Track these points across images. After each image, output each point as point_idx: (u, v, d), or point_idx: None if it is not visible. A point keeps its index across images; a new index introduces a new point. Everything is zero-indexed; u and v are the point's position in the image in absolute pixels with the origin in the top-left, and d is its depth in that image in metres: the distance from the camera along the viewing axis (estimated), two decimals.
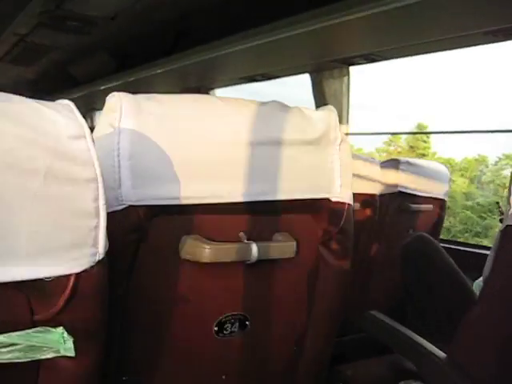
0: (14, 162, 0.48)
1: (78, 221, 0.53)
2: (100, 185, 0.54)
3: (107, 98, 0.77)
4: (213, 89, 4.38)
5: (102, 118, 0.76)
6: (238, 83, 4.16)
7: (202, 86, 4.27)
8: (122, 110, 0.73)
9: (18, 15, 3.35)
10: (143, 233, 0.75)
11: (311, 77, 3.42)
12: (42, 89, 6.54)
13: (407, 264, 1.79)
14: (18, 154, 0.48)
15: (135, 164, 0.71)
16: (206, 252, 0.77)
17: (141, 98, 0.76)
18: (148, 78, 4.15)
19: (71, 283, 0.53)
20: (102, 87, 4.85)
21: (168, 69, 3.74)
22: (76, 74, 5.29)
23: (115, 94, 0.76)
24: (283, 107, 0.87)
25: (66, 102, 0.59)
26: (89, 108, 6.70)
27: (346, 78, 3.26)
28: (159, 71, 3.88)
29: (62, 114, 0.54)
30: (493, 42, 2.36)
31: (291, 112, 0.87)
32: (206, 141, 0.77)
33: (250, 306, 0.88)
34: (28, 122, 0.51)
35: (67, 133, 0.53)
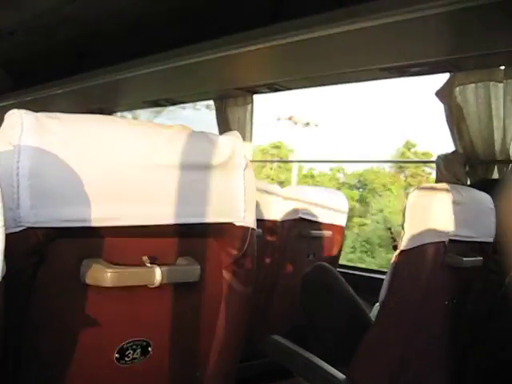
0: None
1: None
2: None
3: (6, 114, 0.73)
4: (115, 112, 4.32)
5: (0, 136, 0.72)
6: (141, 107, 4.13)
7: (104, 109, 4.18)
8: (23, 127, 0.70)
9: None
10: (43, 256, 0.72)
11: (215, 103, 3.47)
12: None
13: (307, 293, 1.83)
14: None
15: (35, 184, 0.68)
16: (108, 276, 0.75)
17: (43, 116, 0.73)
18: (48, 97, 4.01)
19: None
20: None
21: (69, 89, 3.65)
22: None
23: (15, 110, 0.72)
24: (189, 132, 0.88)
25: None
26: None
27: (249, 106, 3.34)
28: (60, 91, 3.77)
29: None
30: (388, 77, 2.52)
31: (196, 136, 0.87)
32: (109, 163, 0.75)
33: (152, 332, 0.86)
34: None
35: None
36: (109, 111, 4.24)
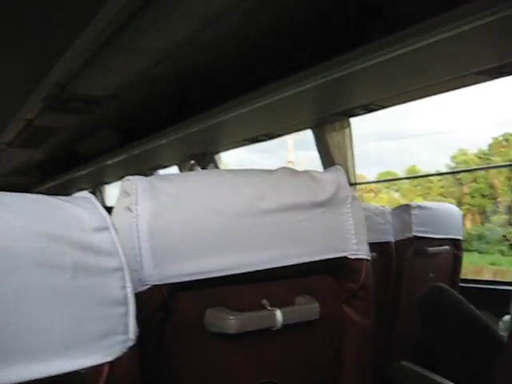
0: (45, 259, 0.50)
1: (107, 310, 0.54)
2: (126, 272, 0.56)
3: (121, 182, 0.80)
4: (218, 152, 4.45)
5: (119, 202, 0.78)
6: (242, 145, 4.23)
7: (206, 152, 4.33)
8: (138, 192, 0.75)
9: (26, 101, 3.47)
10: (168, 310, 0.76)
11: (313, 132, 3.47)
12: (51, 169, 6.69)
13: (425, 316, 1.76)
14: (47, 251, 0.50)
15: (155, 244, 0.73)
16: (232, 323, 0.78)
17: (154, 179, 0.78)
18: (153, 149, 4.23)
19: (105, 372, 0.53)
20: (109, 162, 4.94)
21: (172, 138, 3.82)
22: (82, 151, 5.41)
23: (129, 178, 0.78)
24: (292, 172, 0.90)
25: (86, 194, 0.61)
26: (97, 183, 6.82)
27: (347, 130, 3.31)
28: (163, 141, 3.97)
29: (83, 207, 0.57)
30: (485, 81, 2.41)
31: (300, 176, 0.90)
32: (221, 214, 0.79)
33: (278, 372, 0.88)
34: (53, 219, 0.53)
35: (91, 226, 0.55)
36: (211, 153, 4.38)
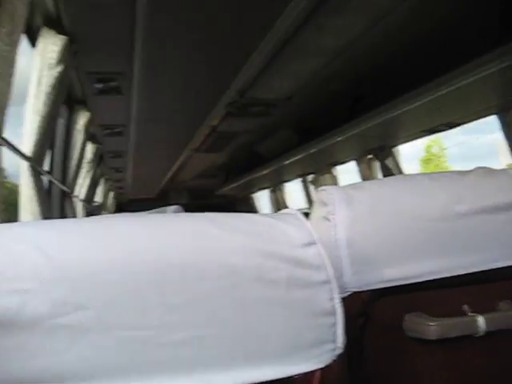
0: (261, 275, 0.54)
1: (317, 320, 0.56)
2: (333, 284, 0.58)
3: (317, 191, 0.83)
4: (395, 146, 4.34)
5: (315, 212, 0.81)
6: (419, 137, 4.08)
7: (384, 145, 4.25)
8: (335, 202, 0.77)
9: (211, 110, 3.72)
10: (368, 316, 0.76)
11: (499, 117, 3.22)
12: (234, 171, 7.09)
13: None
14: (263, 267, 0.54)
15: (354, 252, 0.74)
16: (432, 329, 0.75)
17: (349, 188, 0.80)
18: (330, 146, 4.26)
19: (316, 379, 0.55)
20: (287, 161, 5.09)
21: (349, 135, 3.81)
22: (262, 152, 5.65)
23: (325, 188, 0.81)
24: (489, 172, 0.85)
25: (291, 210, 0.64)
26: (276, 181, 7.07)
27: None
28: (340, 138, 3.97)
29: (290, 223, 0.60)
30: None
31: (499, 176, 0.84)
32: (417, 220, 0.77)
33: (482, 381, 0.83)
34: (266, 236, 0.57)
35: (300, 241, 0.58)
36: (389, 146, 4.29)
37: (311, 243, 0.58)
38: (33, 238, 0.50)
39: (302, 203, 6.68)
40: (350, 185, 0.81)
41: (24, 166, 2.17)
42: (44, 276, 0.48)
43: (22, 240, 0.50)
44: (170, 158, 5.85)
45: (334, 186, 0.80)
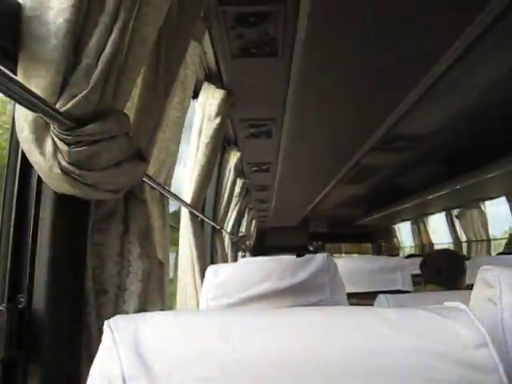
0: (431, 376, 0.53)
1: None
2: None
3: (480, 270, 0.78)
4: None
5: (478, 292, 0.77)
6: None
7: None
8: (501, 285, 0.73)
9: (356, 149, 3.75)
10: None
11: None
12: (374, 201, 7.00)
13: None
14: (433, 368, 0.53)
15: None
16: None
17: None
18: (476, 183, 4.06)
19: None
20: (430, 197, 4.93)
21: (503, 170, 3.61)
22: (404, 185, 5.52)
23: (490, 267, 0.76)
24: None
25: (460, 305, 0.61)
26: (418, 214, 6.85)
27: None
28: (491, 174, 3.78)
29: (461, 322, 0.58)
30: None
31: None
32: None
33: None
34: (434, 335, 0.56)
35: (471, 342, 0.56)
36: None
37: (483, 344, 0.56)
38: (217, 327, 0.55)
39: (445, 237, 6.41)
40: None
41: (184, 210, 2.34)
42: (228, 366, 0.51)
43: (208, 328, 0.55)
44: (311, 191, 5.94)
45: (500, 267, 0.76)
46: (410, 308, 0.61)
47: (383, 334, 0.55)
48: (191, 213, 2.35)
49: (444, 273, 2.22)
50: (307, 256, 1.42)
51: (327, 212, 8.41)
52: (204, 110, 2.35)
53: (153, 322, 0.58)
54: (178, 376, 0.51)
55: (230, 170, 3.53)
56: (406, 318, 0.58)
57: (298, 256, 1.65)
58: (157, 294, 1.19)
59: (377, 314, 0.58)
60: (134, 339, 0.54)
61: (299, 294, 1.33)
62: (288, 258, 1.69)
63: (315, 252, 9.80)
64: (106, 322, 0.56)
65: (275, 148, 3.74)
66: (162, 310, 1.23)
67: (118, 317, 0.57)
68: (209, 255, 3.31)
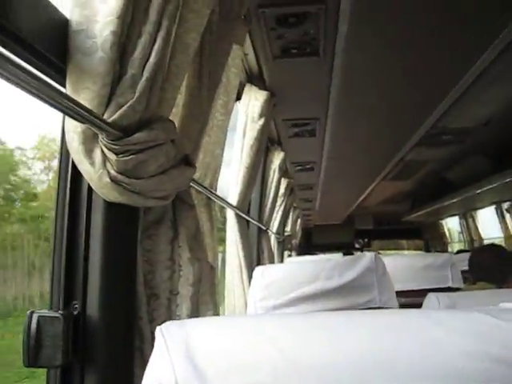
0: (489, 381, 0.51)
1: None
2: None
3: None
4: None
5: None
6: None
7: None
8: None
9: (402, 145, 3.70)
10: None
11: None
12: (420, 197, 6.89)
13: None
14: (491, 373, 0.52)
15: None
16: None
17: None
18: None
19: None
20: (478, 191, 4.82)
21: None
22: (452, 179, 5.42)
23: None
24: None
25: None
26: (467, 209, 6.70)
27: None
28: None
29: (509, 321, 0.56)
30: None
31: None
32: None
33: None
34: (491, 339, 0.54)
35: None
36: None
37: None
38: (268, 332, 0.55)
39: (496, 231, 6.25)
40: None
41: (230, 212, 2.36)
42: (278, 370, 0.51)
43: (258, 333, 0.55)
44: (356, 189, 5.90)
45: None
46: (465, 310, 0.59)
47: (438, 337, 0.54)
48: (237, 214, 2.36)
49: (494, 270, 2.17)
50: (355, 255, 1.41)
51: (373, 209, 8.34)
52: (247, 112, 2.36)
53: (203, 327, 0.58)
54: (230, 381, 0.52)
55: (274, 171, 3.53)
56: (461, 320, 0.57)
57: (345, 255, 1.64)
58: (208, 296, 1.20)
59: (430, 317, 0.57)
60: (185, 345, 0.54)
61: (347, 294, 1.33)
62: (335, 258, 1.68)
63: (361, 250, 9.72)
64: (157, 328, 0.56)
65: (319, 147, 3.73)
66: (214, 312, 1.25)
67: (169, 323, 0.58)
68: (255, 256, 3.32)
